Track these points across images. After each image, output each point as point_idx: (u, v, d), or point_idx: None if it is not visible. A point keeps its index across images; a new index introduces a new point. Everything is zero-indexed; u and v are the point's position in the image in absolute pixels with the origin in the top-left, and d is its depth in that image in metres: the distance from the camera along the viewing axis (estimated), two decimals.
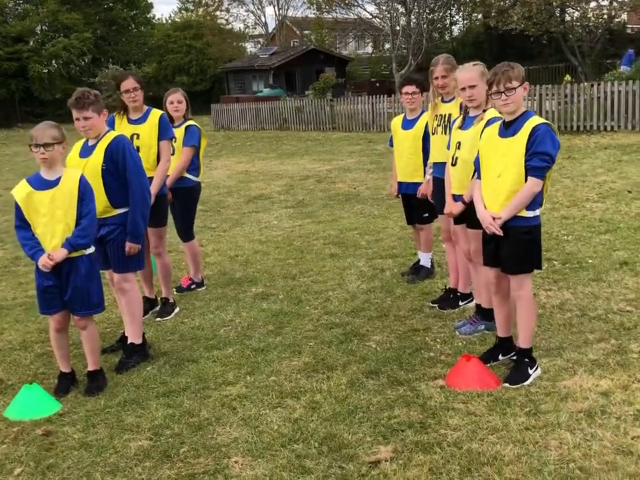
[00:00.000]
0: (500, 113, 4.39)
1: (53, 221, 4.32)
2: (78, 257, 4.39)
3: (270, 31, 49.59)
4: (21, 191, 4.37)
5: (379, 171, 13.55)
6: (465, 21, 41.66)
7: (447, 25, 40.56)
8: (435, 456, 3.48)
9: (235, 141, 22.42)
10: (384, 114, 21.44)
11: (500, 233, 4.16)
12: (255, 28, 50.23)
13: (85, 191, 4.36)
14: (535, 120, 4.12)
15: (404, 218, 6.74)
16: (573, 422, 3.68)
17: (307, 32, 46.38)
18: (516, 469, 3.31)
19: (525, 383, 4.17)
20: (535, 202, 4.17)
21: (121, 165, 4.72)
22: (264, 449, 3.68)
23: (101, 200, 4.67)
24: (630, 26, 37.91)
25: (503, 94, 4.08)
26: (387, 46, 38.26)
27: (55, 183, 4.34)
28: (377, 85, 33.28)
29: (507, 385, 4.18)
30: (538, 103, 17.26)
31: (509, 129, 4.20)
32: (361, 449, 3.60)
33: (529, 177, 4.09)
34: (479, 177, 4.45)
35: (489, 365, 4.40)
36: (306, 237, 8.57)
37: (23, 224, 4.39)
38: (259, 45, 49.19)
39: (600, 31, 29.74)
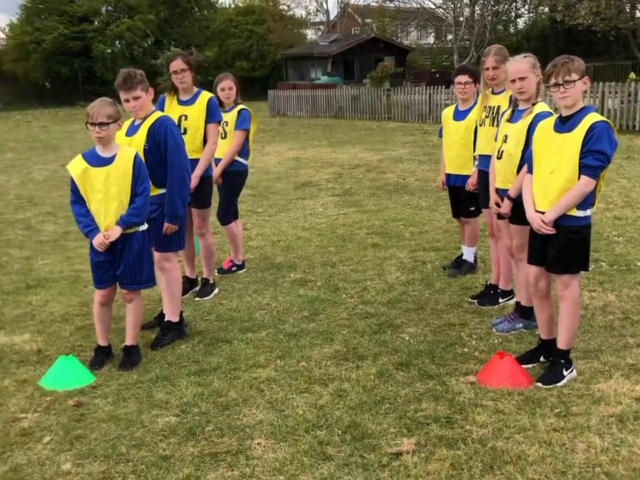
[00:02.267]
0: (555, 108, 4.25)
1: (108, 197, 4.40)
2: (132, 234, 4.48)
3: (331, 18, 49.46)
4: (77, 166, 4.46)
5: (431, 162, 13.40)
6: (531, 14, 40.85)
7: (512, 18, 39.79)
8: (458, 451, 3.43)
9: (289, 128, 22.47)
10: (441, 105, 21.14)
11: (552, 231, 4.05)
12: (317, 15, 50.19)
13: (139, 169, 4.43)
14: (594, 117, 3.97)
15: (450, 211, 6.65)
16: (603, 426, 3.59)
17: (368, 20, 46.15)
18: (539, 470, 3.24)
19: (558, 384, 4.07)
20: (587, 202, 4.03)
21: (162, 145, 4.77)
22: (287, 433, 3.69)
23: None
24: None
25: (561, 86, 3.95)
26: (449, 37, 37.80)
27: (110, 160, 4.41)
28: (437, 75, 32.87)
29: (539, 384, 4.10)
30: (600, 100, 16.81)
31: (565, 124, 4.05)
32: (383, 440, 3.57)
33: (581, 176, 3.96)
34: (530, 172, 4.32)
35: (528, 366, 4.30)
36: (350, 225, 8.54)
37: (78, 199, 4.48)
38: (320, 32, 49.13)
39: None
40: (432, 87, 22.19)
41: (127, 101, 4.77)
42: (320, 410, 3.92)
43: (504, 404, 3.87)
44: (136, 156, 4.45)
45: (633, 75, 20.86)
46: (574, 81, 3.93)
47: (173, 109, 5.79)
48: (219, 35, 44.38)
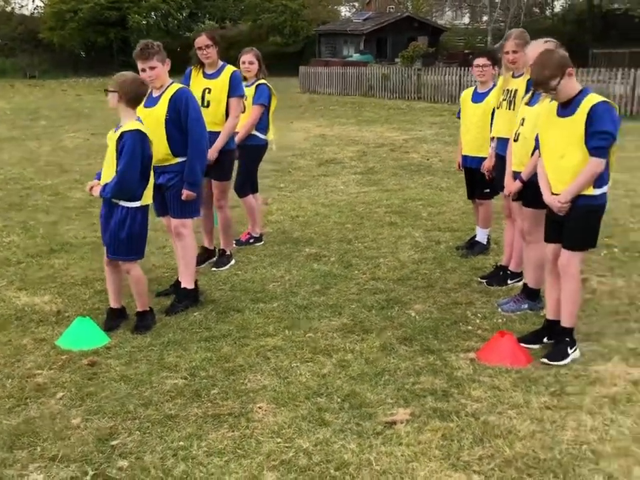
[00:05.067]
0: None
1: (106, 164, 4.60)
2: (114, 205, 4.61)
3: None
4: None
5: (456, 144, 13.07)
6: None
7: (549, 1, 39.12)
8: (450, 423, 3.55)
9: (318, 104, 22.50)
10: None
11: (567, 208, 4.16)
12: None
13: (122, 148, 4.48)
14: (593, 98, 4.07)
15: (466, 192, 6.71)
16: (596, 406, 3.68)
17: None
18: (528, 445, 3.35)
19: (562, 362, 4.18)
20: (602, 179, 4.15)
21: (183, 115, 4.91)
22: (289, 398, 3.84)
23: (162, 148, 4.89)
24: None
25: (551, 91, 4.12)
26: (485, 18, 37.33)
27: (116, 129, 4.57)
28: (470, 56, 32.46)
29: (545, 360, 4.21)
30: (631, 87, 16.58)
31: (566, 108, 4.16)
32: (380, 409, 3.71)
33: (590, 158, 4.05)
34: (540, 155, 4.40)
35: (530, 346, 4.40)
36: (369, 203, 8.63)
37: None
38: (354, 9, 48.79)
39: None
40: (463, 68, 22.03)
41: (144, 70, 4.92)
42: (322, 378, 4.06)
43: (500, 380, 3.98)
44: (123, 134, 4.49)
45: None
46: (554, 88, 4.07)
47: (198, 82, 5.92)
48: (253, 8, 44.28)
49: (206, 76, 5.95)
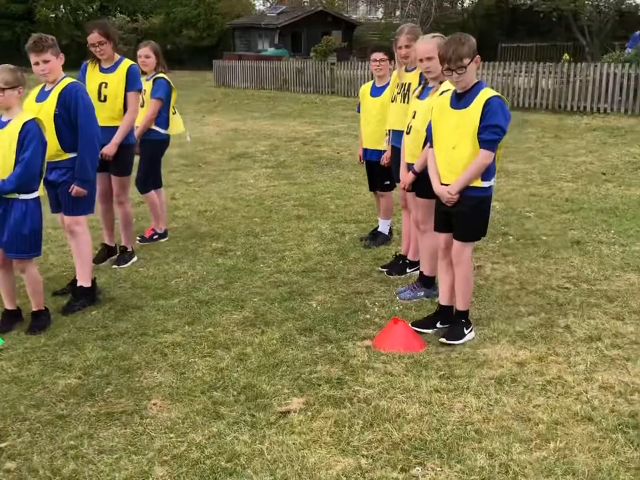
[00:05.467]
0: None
1: None
2: (12, 199, 4.48)
3: None
4: None
5: None
6: None
7: None
8: (343, 410, 3.63)
9: (232, 99, 22.34)
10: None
11: (456, 199, 4.27)
12: None
13: (25, 137, 4.39)
14: (487, 92, 4.19)
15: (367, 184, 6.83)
16: (482, 387, 3.83)
17: None
18: (416, 427, 3.45)
19: (460, 341, 4.35)
20: (489, 172, 4.28)
21: (72, 110, 4.82)
22: (184, 394, 3.84)
23: (52, 144, 4.78)
24: None
25: (454, 72, 4.14)
26: (398, 12, 37.87)
27: (3, 125, 4.44)
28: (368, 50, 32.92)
29: (443, 339, 4.37)
30: (535, 80, 17.18)
31: (460, 100, 4.26)
32: (275, 400, 3.75)
33: (480, 150, 4.18)
34: (431, 146, 4.52)
35: (424, 331, 4.53)
36: (278, 197, 8.67)
37: None
38: (268, 3, 48.64)
39: (611, 11, 29.45)
40: None
41: (37, 64, 4.80)
42: (219, 372, 4.07)
43: (393, 366, 4.09)
44: (25, 124, 4.41)
45: (566, 56, 21.31)
46: (465, 66, 4.12)
47: (94, 76, 5.81)
48: (166, 1, 43.44)
49: (102, 70, 5.84)
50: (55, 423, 3.56)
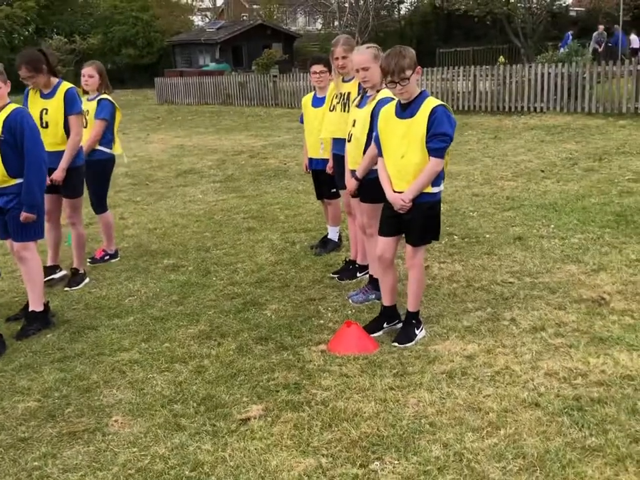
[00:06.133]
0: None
1: None
2: None
3: (218, 4, 49.09)
4: None
5: None
6: (413, 0, 41.88)
7: (395, 3, 40.63)
8: (302, 413, 3.73)
9: (176, 115, 22.32)
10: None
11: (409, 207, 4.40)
12: (203, 1, 49.68)
13: None
14: (432, 102, 4.33)
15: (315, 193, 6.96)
16: (434, 382, 3.97)
17: (256, 6, 46.01)
18: (372, 424, 3.58)
19: (411, 343, 4.48)
20: (439, 178, 4.43)
21: (19, 136, 4.83)
22: (145, 409, 3.89)
23: None
24: (573, 9, 38.64)
25: (397, 84, 4.29)
26: (336, 23, 38.27)
27: None
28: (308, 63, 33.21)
29: (395, 344, 4.49)
30: (472, 84, 17.61)
31: (405, 110, 4.40)
32: (235, 408, 3.83)
33: (430, 158, 4.32)
34: (380, 155, 4.65)
35: (374, 334, 4.66)
36: (227, 210, 8.74)
37: None
38: (207, 19, 48.65)
39: (543, 12, 30.34)
40: None
41: None
42: (178, 386, 4.14)
43: (349, 368, 4.21)
44: None
45: (502, 59, 21.90)
46: (408, 78, 4.27)
47: (35, 102, 5.84)
48: (103, 21, 43.09)
49: (42, 96, 5.86)
50: (17, 446, 3.58)
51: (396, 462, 3.25)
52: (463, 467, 3.19)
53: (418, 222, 4.45)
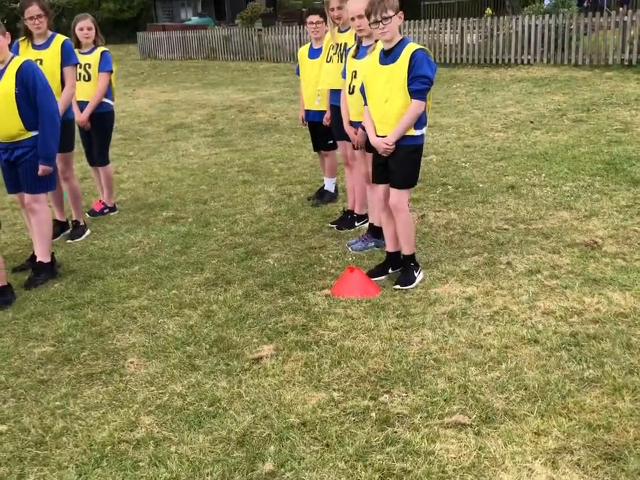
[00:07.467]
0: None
1: None
2: None
3: None
4: None
5: None
6: None
7: None
8: (311, 352, 3.89)
9: (160, 70, 22.11)
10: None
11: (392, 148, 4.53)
12: None
13: None
14: (412, 46, 4.45)
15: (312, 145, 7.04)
16: (436, 322, 4.14)
17: None
18: (379, 361, 3.74)
19: (412, 285, 4.64)
20: (421, 121, 4.55)
21: (31, 89, 4.84)
22: (158, 351, 4.03)
23: (14, 123, 4.85)
24: None
25: (380, 23, 4.37)
26: None
27: None
28: (302, 14, 32.86)
29: (397, 286, 4.65)
30: (460, 36, 17.57)
31: (388, 56, 4.51)
32: (246, 349, 3.98)
33: (412, 100, 4.44)
34: (365, 103, 4.75)
35: (379, 278, 4.81)
36: (221, 164, 8.80)
37: None
38: None
39: None
40: (302, 27, 22.31)
41: None
42: (189, 329, 4.28)
43: (353, 310, 4.37)
44: None
45: (489, 11, 21.74)
46: (390, 17, 4.36)
47: (27, 54, 5.78)
48: None
49: (35, 47, 5.87)
50: (38, 388, 3.72)
51: (404, 394, 3.42)
52: (468, 397, 3.36)
53: (400, 164, 4.58)
